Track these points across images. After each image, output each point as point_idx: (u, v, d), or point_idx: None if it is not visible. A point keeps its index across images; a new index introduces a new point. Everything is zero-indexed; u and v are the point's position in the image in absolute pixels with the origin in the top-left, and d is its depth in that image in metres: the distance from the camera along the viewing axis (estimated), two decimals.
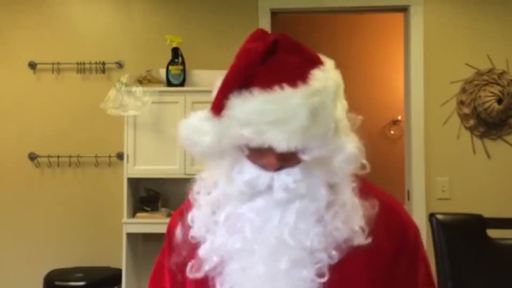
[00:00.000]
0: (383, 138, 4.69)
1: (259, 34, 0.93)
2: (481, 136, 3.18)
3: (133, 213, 3.05)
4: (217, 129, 0.89)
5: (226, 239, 0.92)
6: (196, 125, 0.92)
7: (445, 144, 3.17)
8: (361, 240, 0.93)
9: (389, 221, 1.00)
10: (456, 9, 3.22)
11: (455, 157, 3.17)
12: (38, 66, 3.28)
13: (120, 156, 3.18)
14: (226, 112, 0.87)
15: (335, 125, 0.89)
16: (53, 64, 3.26)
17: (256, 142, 0.86)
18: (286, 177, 0.90)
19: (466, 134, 3.18)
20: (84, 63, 3.26)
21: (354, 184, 0.96)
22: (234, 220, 0.93)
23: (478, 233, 1.62)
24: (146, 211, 3.04)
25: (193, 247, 0.97)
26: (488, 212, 1.79)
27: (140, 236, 3.12)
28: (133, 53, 3.27)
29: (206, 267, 0.94)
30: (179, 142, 0.96)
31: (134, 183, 3.06)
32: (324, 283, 0.90)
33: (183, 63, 3.03)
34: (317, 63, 0.91)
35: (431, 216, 1.66)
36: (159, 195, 3.10)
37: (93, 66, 3.26)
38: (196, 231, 0.97)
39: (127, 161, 2.95)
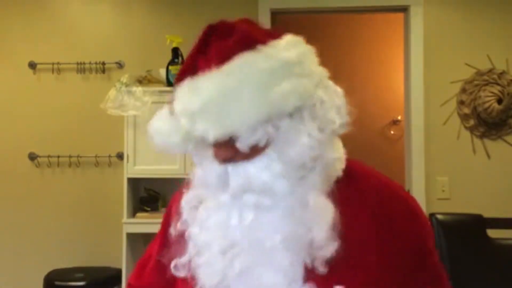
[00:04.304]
0: (383, 138, 4.68)
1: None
2: (481, 136, 3.18)
3: (133, 213, 3.05)
4: (177, 126, 0.87)
5: (207, 234, 0.89)
6: (161, 128, 0.90)
7: (445, 144, 3.17)
8: (332, 248, 0.84)
9: (393, 211, 0.91)
10: (456, 9, 3.22)
11: (455, 157, 3.17)
12: (38, 66, 3.28)
13: (120, 156, 3.18)
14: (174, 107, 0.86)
15: (279, 107, 0.81)
16: (53, 64, 3.26)
17: (194, 133, 0.82)
18: (241, 169, 0.85)
19: (466, 134, 3.18)
20: (84, 63, 3.26)
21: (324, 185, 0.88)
22: (205, 214, 0.91)
23: (478, 233, 1.62)
24: (146, 211, 3.04)
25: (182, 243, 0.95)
26: (488, 212, 1.79)
27: (140, 236, 3.12)
28: (133, 53, 3.27)
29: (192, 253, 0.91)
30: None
31: (134, 183, 3.06)
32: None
33: (183, 63, 3.02)
34: (254, 44, 0.83)
35: (431, 216, 1.66)
36: (159, 195, 3.10)
37: (93, 66, 3.26)
38: (188, 229, 0.94)
39: (127, 161, 2.95)
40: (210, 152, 0.88)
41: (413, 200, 0.96)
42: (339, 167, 0.91)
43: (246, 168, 0.85)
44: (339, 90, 0.90)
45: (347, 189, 0.89)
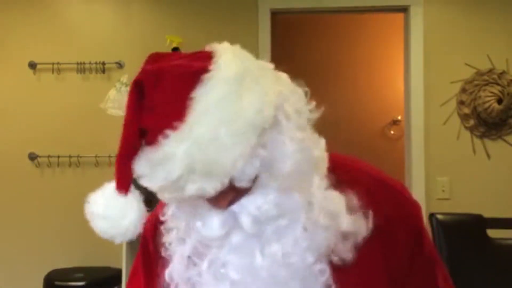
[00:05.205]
0: (383, 138, 4.68)
1: None
2: (481, 136, 3.18)
3: None
4: (130, 205, 0.82)
5: (214, 287, 0.82)
6: (105, 212, 0.82)
7: (445, 144, 3.17)
8: (363, 230, 0.82)
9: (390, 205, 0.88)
10: (456, 9, 3.22)
11: (455, 157, 3.17)
12: (38, 66, 3.28)
13: None
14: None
15: (255, 128, 0.72)
16: (53, 64, 3.26)
17: (184, 198, 0.76)
18: (249, 205, 0.78)
19: (466, 134, 3.18)
20: (84, 63, 3.25)
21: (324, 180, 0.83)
22: (218, 266, 0.82)
23: (478, 233, 1.62)
24: (146, 211, 3.04)
25: None
26: (488, 212, 1.79)
27: (140, 236, 3.12)
28: (133, 53, 3.27)
29: None
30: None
31: (134, 183, 3.06)
32: None
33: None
34: (197, 76, 0.74)
35: (431, 216, 1.66)
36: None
37: (93, 66, 3.26)
38: None
39: None
40: (198, 204, 0.81)
41: (399, 184, 0.93)
42: (323, 164, 0.85)
43: (253, 200, 0.78)
44: (284, 75, 0.82)
45: (335, 185, 0.85)
